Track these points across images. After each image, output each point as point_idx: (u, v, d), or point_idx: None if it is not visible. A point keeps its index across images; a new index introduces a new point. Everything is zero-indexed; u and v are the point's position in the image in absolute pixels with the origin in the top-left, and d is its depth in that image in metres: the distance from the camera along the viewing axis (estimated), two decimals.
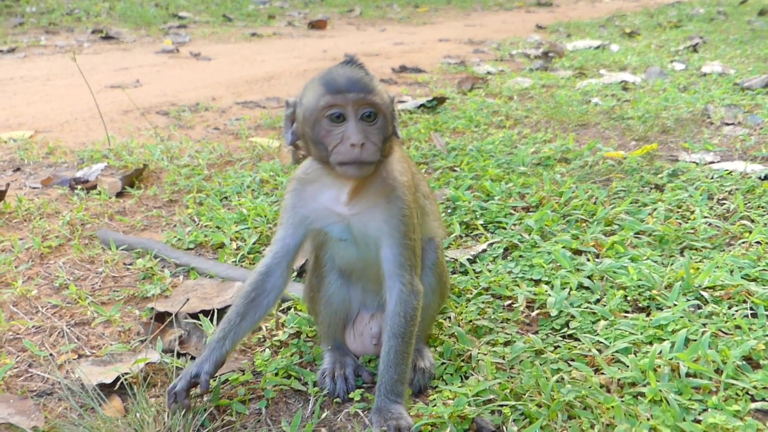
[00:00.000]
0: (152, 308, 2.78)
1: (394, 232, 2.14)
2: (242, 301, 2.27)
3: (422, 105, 6.17)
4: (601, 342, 2.45)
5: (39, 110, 6.45)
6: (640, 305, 2.72)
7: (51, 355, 2.54)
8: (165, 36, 11.96)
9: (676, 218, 3.50)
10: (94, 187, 4.25)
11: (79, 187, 4.21)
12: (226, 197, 4.07)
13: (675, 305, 2.62)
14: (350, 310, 2.43)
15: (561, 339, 2.54)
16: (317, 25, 13.75)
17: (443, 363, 2.43)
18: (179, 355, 2.50)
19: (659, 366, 2.25)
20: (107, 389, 2.29)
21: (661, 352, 2.31)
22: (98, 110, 5.51)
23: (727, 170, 4.11)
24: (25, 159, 4.85)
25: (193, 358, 2.53)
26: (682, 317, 2.51)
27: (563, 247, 3.16)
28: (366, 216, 2.15)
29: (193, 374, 2.17)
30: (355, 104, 2.00)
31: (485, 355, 2.43)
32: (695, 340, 2.35)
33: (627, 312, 2.67)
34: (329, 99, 2.00)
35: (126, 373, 2.30)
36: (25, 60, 9.54)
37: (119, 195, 4.18)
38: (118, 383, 2.29)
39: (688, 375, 2.22)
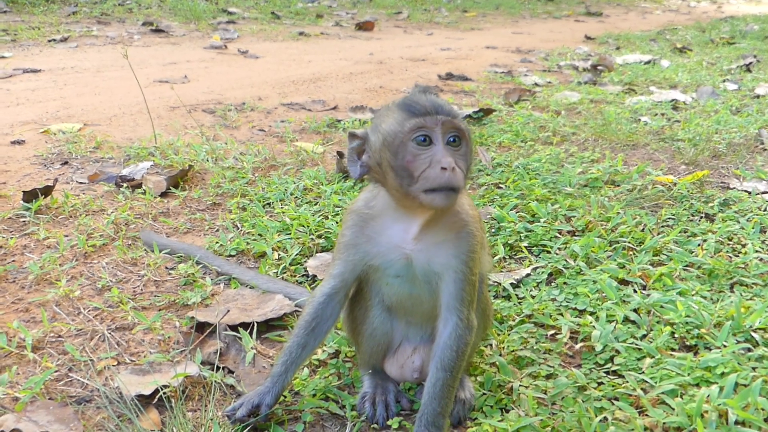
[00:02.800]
0: (192, 317, 2.77)
1: (462, 267, 2.09)
2: (302, 332, 2.27)
3: (468, 116, 6.12)
4: (647, 381, 2.39)
5: (88, 102, 6.52)
6: (688, 343, 2.65)
7: (91, 360, 2.54)
8: (214, 31, 12.04)
9: (727, 251, 3.42)
10: (140, 185, 4.27)
11: (125, 185, 4.24)
12: (269, 203, 4.07)
13: (724, 346, 2.55)
14: (392, 342, 2.39)
15: (605, 375, 2.49)
16: (364, 26, 13.74)
17: (483, 394, 2.39)
18: (218, 368, 2.49)
19: (707, 411, 2.19)
20: (145, 400, 2.28)
21: (708, 396, 2.24)
22: (146, 106, 5.55)
23: None
24: (73, 153, 4.90)
25: (231, 371, 2.52)
26: (731, 360, 2.44)
27: (609, 277, 3.10)
28: (432, 251, 2.10)
29: (254, 404, 2.19)
30: (444, 127, 1.96)
31: (527, 388, 2.39)
32: (745, 386, 2.29)
33: (674, 350, 2.61)
34: (417, 121, 1.95)
35: (165, 386, 2.30)
36: (77, 50, 9.66)
37: (163, 195, 4.19)
38: (157, 396, 2.28)
39: (736, 423, 2.15)
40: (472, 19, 17.14)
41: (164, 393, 2.29)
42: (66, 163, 4.72)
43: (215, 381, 2.38)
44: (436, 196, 1.92)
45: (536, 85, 8.16)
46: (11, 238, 3.48)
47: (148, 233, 3.57)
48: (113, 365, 2.53)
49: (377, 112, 2.12)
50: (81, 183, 4.36)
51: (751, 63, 9.66)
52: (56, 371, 2.48)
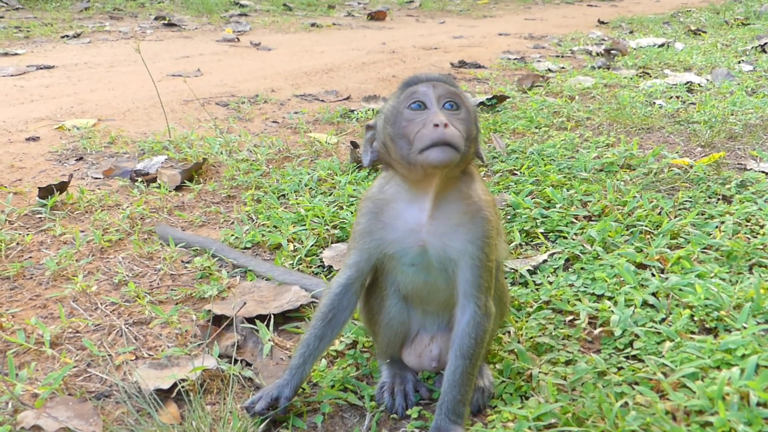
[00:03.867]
0: (209, 311, 2.78)
1: (478, 253, 2.08)
2: (320, 323, 2.26)
3: (482, 103, 6.09)
4: (667, 365, 2.37)
5: (102, 98, 6.54)
6: (707, 326, 2.63)
7: (109, 355, 2.55)
8: (226, 24, 12.04)
9: (745, 233, 3.39)
10: (154, 179, 4.28)
11: (140, 179, 4.25)
12: (283, 195, 4.07)
13: (744, 328, 2.53)
14: (409, 331, 2.38)
15: (624, 360, 2.47)
16: (376, 16, 13.70)
17: (503, 381, 2.37)
18: (236, 361, 2.49)
19: (728, 394, 2.17)
20: (164, 394, 2.28)
21: (730, 379, 2.22)
22: (159, 100, 5.56)
23: None
24: (88, 148, 4.92)
25: (249, 364, 2.52)
26: (751, 341, 2.41)
27: (627, 261, 3.08)
28: (447, 237, 2.08)
29: (273, 397, 2.19)
30: (437, 91, 1.98)
31: (546, 374, 2.37)
32: (766, 367, 2.26)
33: (693, 333, 2.58)
34: (411, 88, 2.00)
35: (183, 380, 2.30)
36: (89, 46, 9.69)
37: (178, 189, 4.20)
38: (176, 390, 2.29)
39: (758, 405, 2.12)
40: (484, 7, 17.06)
41: (183, 387, 2.29)
42: (81, 158, 4.74)
43: (233, 374, 2.38)
44: (431, 152, 1.90)
45: (549, 70, 8.11)
46: (28, 234, 3.49)
47: (163, 227, 3.58)
48: (131, 360, 2.54)
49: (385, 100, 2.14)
50: (96, 178, 4.37)
51: (766, 44, 9.55)
52: (75, 367, 2.48)
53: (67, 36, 10.24)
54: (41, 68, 7.90)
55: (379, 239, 2.16)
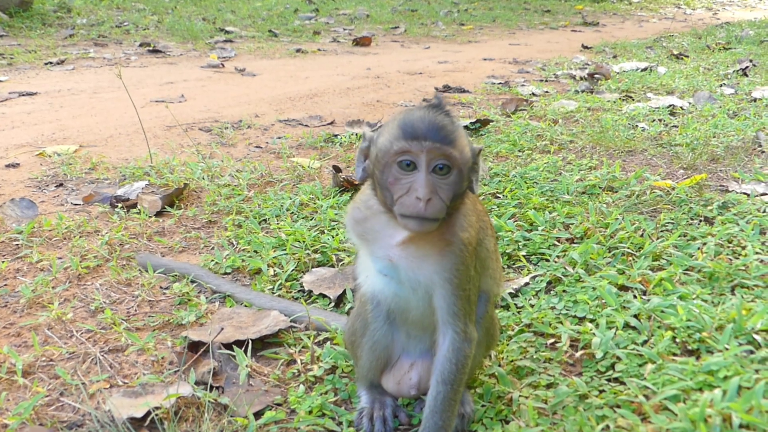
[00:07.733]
0: (186, 337, 2.73)
1: (446, 284, 2.04)
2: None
3: (465, 127, 6.09)
4: (649, 387, 2.35)
5: (84, 124, 6.50)
6: (690, 348, 2.61)
7: (83, 383, 2.50)
8: (211, 50, 12.03)
9: (727, 254, 3.38)
10: (135, 205, 4.24)
11: (120, 205, 4.21)
12: (265, 220, 4.03)
13: (726, 349, 2.51)
14: (392, 356, 2.33)
15: (606, 382, 2.44)
16: (362, 41, 13.73)
17: (483, 405, 2.34)
18: (212, 388, 2.45)
19: (710, 416, 2.14)
20: (138, 423, 2.24)
21: (712, 400, 2.19)
22: (141, 125, 5.53)
23: None
24: (68, 174, 4.87)
25: (224, 390, 2.48)
26: (733, 363, 2.40)
27: (609, 283, 3.06)
28: (416, 263, 2.04)
29: None
30: (430, 154, 1.87)
31: (527, 398, 2.34)
32: (748, 388, 2.24)
33: (675, 354, 2.56)
34: (403, 144, 1.88)
35: (157, 408, 2.25)
36: (73, 72, 9.65)
37: (159, 214, 4.16)
38: (149, 418, 2.24)
39: (741, 426, 2.11)
40: (469, 32, 17.13)
41: (156, 415, 2.24)
42: (61, 185, 4.70)
43: (209, 401, 2.34)
44: (409, 222, 1.89)
45: (533, 94, 8.13)
46: (3, 261, 3.45)
47: (144, 256, 3.52)
48: (105, 388, 2.49)
49: (386, 121, 2.07)
50: (75, 204, 4.33)
51: (747, 67, 9.64)
52: (47, 396, 2.43)
53: (51, 63, 10.20)
54: (23, 95, 7.86)
55: (361, 231, 2.14)
